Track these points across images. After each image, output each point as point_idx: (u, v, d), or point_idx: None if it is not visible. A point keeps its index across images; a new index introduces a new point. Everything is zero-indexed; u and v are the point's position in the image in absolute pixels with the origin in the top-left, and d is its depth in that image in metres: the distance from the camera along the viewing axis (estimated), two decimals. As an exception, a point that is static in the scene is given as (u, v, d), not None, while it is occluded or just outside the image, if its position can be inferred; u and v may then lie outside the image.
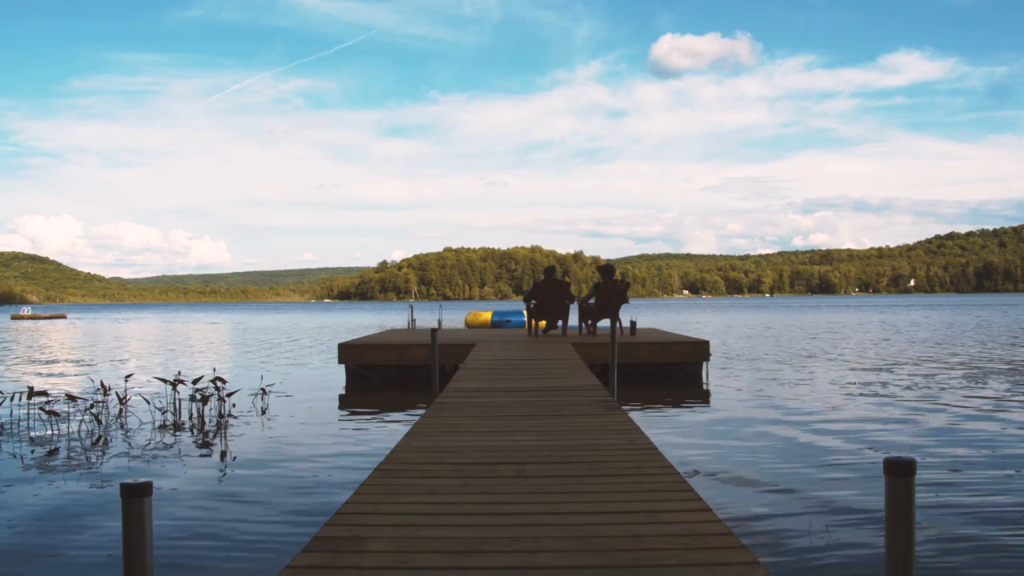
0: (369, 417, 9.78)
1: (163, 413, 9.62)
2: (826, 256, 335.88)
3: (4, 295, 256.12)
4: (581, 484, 3.79)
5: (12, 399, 9.83)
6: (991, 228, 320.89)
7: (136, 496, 2.48)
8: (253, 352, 22.69)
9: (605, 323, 14.88)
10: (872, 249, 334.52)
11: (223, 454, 7.50)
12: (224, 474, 6.73)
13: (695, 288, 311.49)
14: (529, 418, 5.78)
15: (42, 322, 62.32)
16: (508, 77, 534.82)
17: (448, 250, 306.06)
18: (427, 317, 37.03)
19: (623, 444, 4.75)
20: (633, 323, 14.71)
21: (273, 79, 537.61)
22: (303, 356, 20.68)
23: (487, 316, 24.75)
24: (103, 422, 9.03)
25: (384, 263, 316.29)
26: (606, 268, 14.34)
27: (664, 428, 8.59)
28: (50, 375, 16.14)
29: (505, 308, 26.21)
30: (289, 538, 4.72)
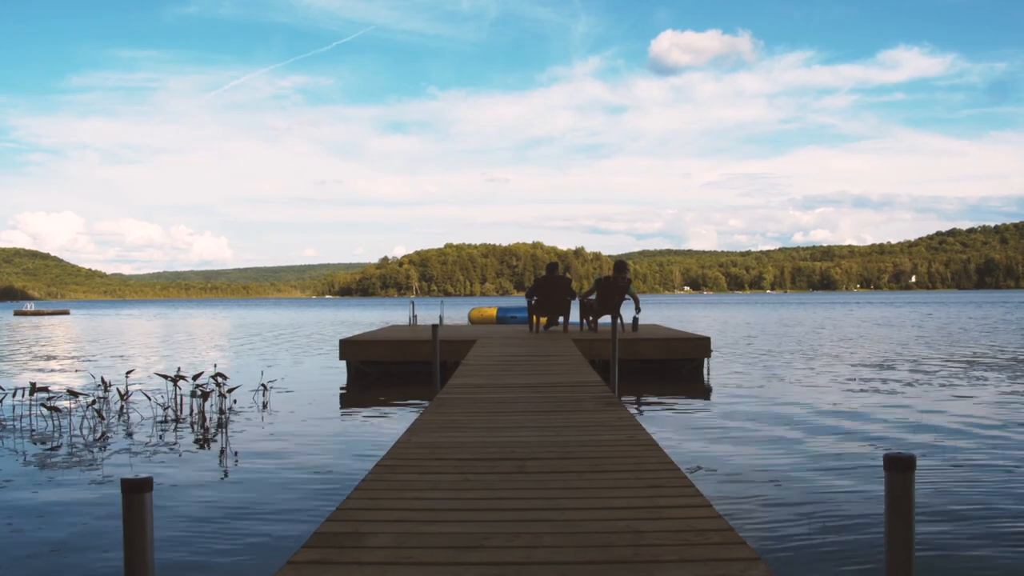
0: (370, 413, 9.79)
1: (164, 409, 9.63)
2: (827, 252, 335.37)
3: (6, 291, 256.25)
4: (582, 480, 3.80)
5: (14, 395, 9.84)
6: (992, 224, 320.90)
7: (137, 492, 2.48)
8: (254, 348, 22.70)
9: (606, 319, 14.87)
10: (873, 245, 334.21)
11: (224, 450, 7.51)
12: (225, 470, 6.74)
13: (696, 284, 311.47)
14: (530, 414, 5.79)
15: (45, 318, 62.42)
16: (507, 73, 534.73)
17: (449, 246, 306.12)
18: (428, 313, 37.03)
19: (624, 440, 4.75)
20: (635, 319, 14.70)
21: (272, 75, 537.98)
22: (304, 352, 20.69)
23: (492, 312, 24.75)
24: (104, 418, 9.04)
25: (385, 259, 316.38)
26: (617, 264, 14.38)
27: (665, 424, 8.59)
28: (52, 371, 16.17)
29: (510, 304, 26.17)
30: (290, 534, 4.72)
